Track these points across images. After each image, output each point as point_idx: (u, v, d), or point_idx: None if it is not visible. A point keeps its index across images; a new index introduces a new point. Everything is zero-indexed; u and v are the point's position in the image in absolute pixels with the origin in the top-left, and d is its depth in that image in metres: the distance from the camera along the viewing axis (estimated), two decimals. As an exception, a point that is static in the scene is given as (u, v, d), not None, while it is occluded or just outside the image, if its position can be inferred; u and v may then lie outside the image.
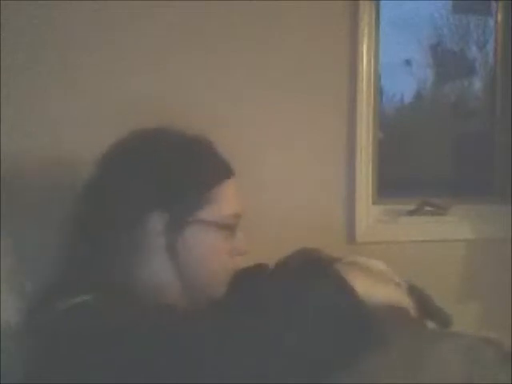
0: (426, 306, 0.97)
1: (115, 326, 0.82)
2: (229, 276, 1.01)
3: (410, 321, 0.92)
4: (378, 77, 1.77)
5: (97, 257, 0.94)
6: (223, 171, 1.02)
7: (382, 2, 1.77)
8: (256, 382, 0.76)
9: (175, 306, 0.92)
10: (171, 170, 0.96)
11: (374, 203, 1.76)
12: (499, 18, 2.02)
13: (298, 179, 1.63)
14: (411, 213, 1.83)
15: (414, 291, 0.97)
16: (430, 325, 0.98)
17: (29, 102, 1.37)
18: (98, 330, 0.82)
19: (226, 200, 0.99)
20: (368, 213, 1.73)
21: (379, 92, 1.88)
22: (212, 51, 1.52)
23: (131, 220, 0.93)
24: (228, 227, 0.99)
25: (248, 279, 1.06)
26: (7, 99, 1.32)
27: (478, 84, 2.28)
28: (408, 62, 2.16)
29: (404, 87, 2.19)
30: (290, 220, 1.60)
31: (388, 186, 1.86)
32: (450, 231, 1.83)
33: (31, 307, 0.97)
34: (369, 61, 1.70)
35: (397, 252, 1.70)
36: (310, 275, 0.87)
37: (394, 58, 2.00)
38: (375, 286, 0.87)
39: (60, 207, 1.04)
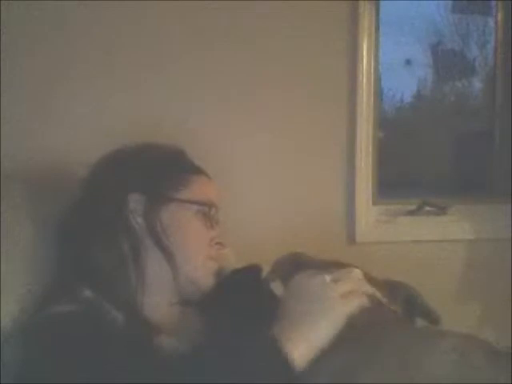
0: (415, 305, 0.97)
1: (108, 323, 0.86)
2: (214, 266, 1.04)
3: (397, 321, 0.92)
4: (378, 77, 1.77)
5: (89, 252, 0.98)
6: (199, 170, 1.09)
7: (381, 2, 1.77)
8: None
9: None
10: (151, 161, 1.05)
11: (373, 203, 1.76)
12: (499, 17, 2.02)
13: (298, 179, 1.63)
14: (411, 213, 1.83)
15: (402, 290, 0.97)
16: (420, 322, 0.99)
17: (29, 103, 1.37)
18: (91, 327, 0.84)
19: (200, 188, 1.05)
20: (368, 213, 1.73)
21: (379, 92, 1.88)
22: (211, 51, 1.53)
23: (115, 203, 1.00)
24: (204, 213, 1.03)
25: (239, 281, 1.08)
26: (7, 99, 1.33)
27: (477, 84, 2.28)
28: (408, 62, 2.15)
29: (404, 87, 2.19)
30: (290, 220, 1.60)
31: (388, 186, 1.86)
32: (450, 231, 1.83)
33: (29, 306, 0.98)
34: (369, 61, 1.70)
35: (397, 252, 1.70)
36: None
37: (394, 58, 2.00)
38: (323, 330, 0.82)
39: (59, 208, 1.04)
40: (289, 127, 1.61)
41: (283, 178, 1.62)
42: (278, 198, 1.61)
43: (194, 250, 1.02)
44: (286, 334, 0.80)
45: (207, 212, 1.04)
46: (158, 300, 0.99)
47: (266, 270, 1.10)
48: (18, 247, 1.04)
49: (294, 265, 1.06)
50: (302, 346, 0.80)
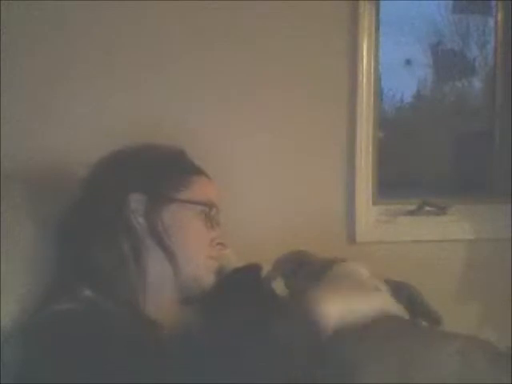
0: (416, 305, 0.97)
1: (108, 322, 0.86)
2: (215, 265, 1.05)
3: (400, 324, 0.92)
4: (378, 77, 1.77)
5: (90, 252, 0.98)
6: (199, 170, 1.10)
7: (381, 2, 1.77)
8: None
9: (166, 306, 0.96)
10: (152, 162, 1.05)
11: (374, 203, 1.76)
12: (499, 17, 2.02)
13: (298, 179, 1.63)
14: (411, 213, 1.83)
15: (404, 290, 0.98)
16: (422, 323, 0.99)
17: (29, 103, 1.37)
18: (91, 326, 0.84)
19: (201, 188, 1.06)
20: (368, 213, 1.73)
21: (379, 92, 1.88)
22: (211, 51, 1.53)
23: (116, 203, 1.00)
24: (204, 213, 1.04)
25: (239, 280, 1.08)
26: (7, 99, 1.33)
27: (477, 84, 2.28)
28: (408, 62, 2.15)
29: (404, 87, 2.19)
30: (290, 220, 1.60)
31: (388, 186, 1.85)
32: (450, 231, 1.83)
33: (29, 306, 0.98)
34: (369, 61, 1.70)
35: (397, 252, 1.70)
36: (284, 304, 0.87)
37: (394, 58, 2.00)
38: (357, 302, 0.88)
39: (59, 208, 1.04)
40: (289, 127, 1.61)
41: (283, 178, 1.62)
42: (278, 198, 1.61)
43: (195, 250, 1.03)
44: (324, 296, 0.85)
45: (208, 212, 1.04)
46: (159, 299, 1.00)
47: (266, 269, 1.11)
48: (18, 247, 1.04)
49: (296, 263, 1.06)
50: (339, 309, 0.84)
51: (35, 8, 1.36)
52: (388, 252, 1.69)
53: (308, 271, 1.02)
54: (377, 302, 0.91)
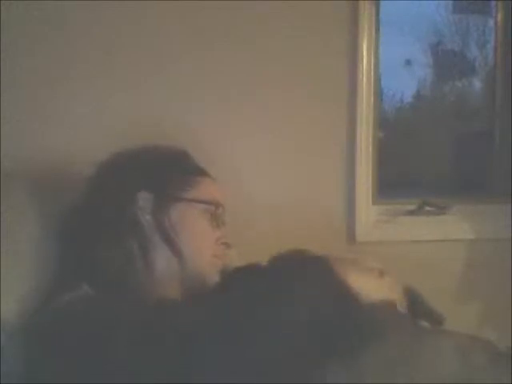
0: (418, 306, 0.97)
1: (110, 320, 0.85)
2: (219, 264, 1.07)
3: (399, 316, 0.93)
4: (378, 77, 1.77)
5: (94, 248, 0.99)
6: (204, 171, 1.12)
7: (382, 2, 1.77)
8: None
9: (169, 302, 0.97)
10: (157, 162, 1.07)
11: (373, 203, 1.76)
12: (499, 17, 2.02)
13: (298, 179, 1.63)
14: (411, 213, 1.83)
15: (405, 291, 0.98)
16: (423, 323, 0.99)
17: (29, 103, 1.37)
18: (92, 325, 0.84)
19: (206, 188, 1.08)
20: (368, 213, 1.73)
21: (379, 92, 1.88)
22: (211, 51, 1.53)
23: (123, 201, 1.02)
24: (210, 213, 1.06)
25: (241, 277, 1.09)
26: (7, 99, 1.33)
27: (477, 84, 2.28)
28: (408, 62, 2.16)
29: (404, 87, 2.19)
30: (290, 220, 1.60)
31: (388, 186, 1.86)
32: (450, 231, 1.83)
33: (29, 306, 0.98)
34: (369, 61, 1.70)
35: (397, 252, 1.70)
36: (303, 270, 0.89)
37: (394, 58, 2.00)
38: (365, 281, 0.89)
39: (60, 207, 1.05)
40: (289, 127, 1.61)
41: (283, 178, 1.62)
42: (278, 198, 1.61)
43: (201, 249, 1.05)
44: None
45: (213, 211, 1.06)
46: (164, 296, 1.00)
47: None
48: (18, 247, 1.04)
49: (297, 259, 1.06)
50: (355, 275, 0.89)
51: (35, 8, 1.36)
52: (388, 252, 1.68)
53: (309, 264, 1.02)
54: (378, 288, 0.91)
